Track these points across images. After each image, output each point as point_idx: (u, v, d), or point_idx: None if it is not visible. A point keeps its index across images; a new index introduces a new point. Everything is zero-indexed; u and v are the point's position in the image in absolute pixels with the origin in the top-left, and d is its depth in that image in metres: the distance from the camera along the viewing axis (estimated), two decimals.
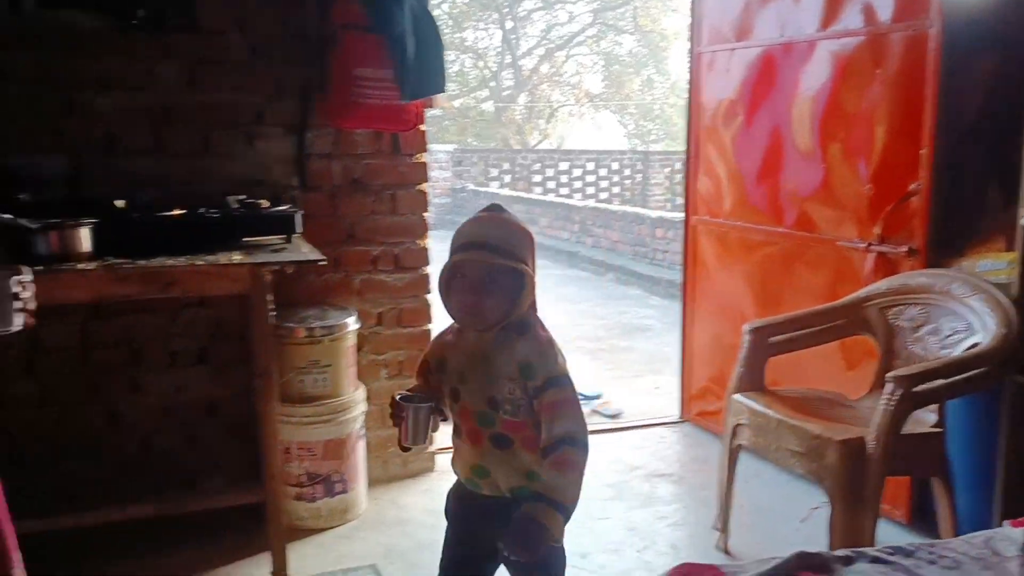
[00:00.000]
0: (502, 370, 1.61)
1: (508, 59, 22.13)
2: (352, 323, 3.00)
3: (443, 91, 3.08)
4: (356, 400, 3.01)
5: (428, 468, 3.43)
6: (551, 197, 13.80)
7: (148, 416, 2.96)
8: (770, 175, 3.47)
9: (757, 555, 1.74)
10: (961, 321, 2.55)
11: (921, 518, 2.84)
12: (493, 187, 14.89)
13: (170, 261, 2.34)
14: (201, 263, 2.35)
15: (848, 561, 1.57)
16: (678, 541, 2.89)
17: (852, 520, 2.35)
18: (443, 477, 3.40)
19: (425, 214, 3.33)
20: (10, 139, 2.70)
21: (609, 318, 7.16)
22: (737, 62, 3.60)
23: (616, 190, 15.28)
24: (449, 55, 15.36)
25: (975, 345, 2.44)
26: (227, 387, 3.03)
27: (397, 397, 1.68)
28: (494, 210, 1.68)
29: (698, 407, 4.00)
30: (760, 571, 1.49)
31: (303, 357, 2.88)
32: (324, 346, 2.90)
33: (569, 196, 14.38)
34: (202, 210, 2.66)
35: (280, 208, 2.80)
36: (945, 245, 2.80)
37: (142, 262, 2.31)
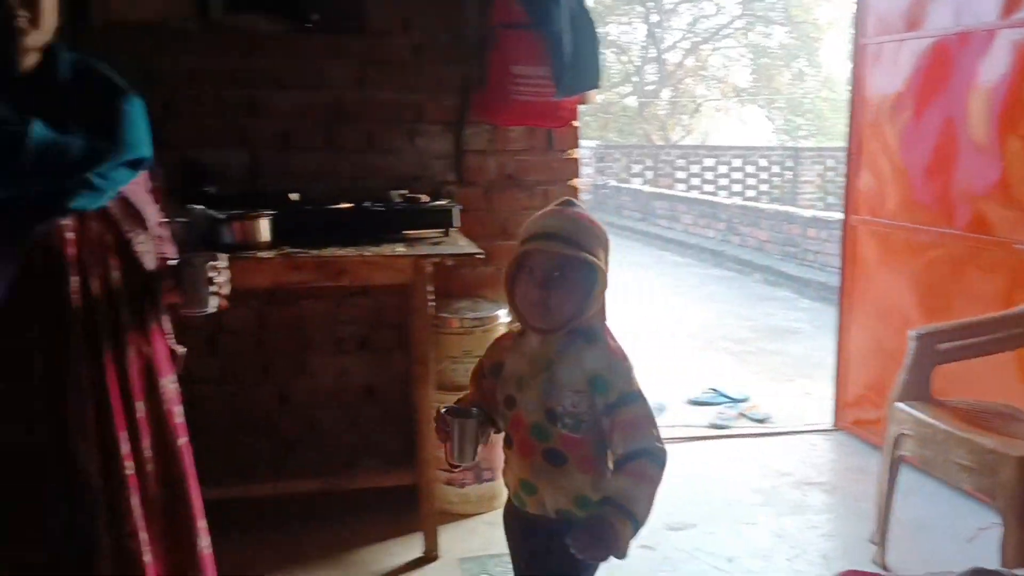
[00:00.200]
0: (567, 381, 1.48)
1: (652, 53, 21.88)
2: (503, 315, 3.07)
3: (598, 87, 3.10)
4: None
5: None
6: (695, 194, 13.56)
7: (314, 398, 3.15)
8: (940, 172, 3.28)
9: (917, 573, 1.66)
10: None
11: None
12: (635, 183, 14.79)
13: (340, 251, 2.49)
14: (368, 254, 2.49)
15: None
16: (830, 552, 2.79)
17: None
18: None
19: None
20: (199, 136, 2.93)
21: (756, 320, 6.97)
22: (907, 53, 3.42)
23: (764, 188, 14.84)
24: None
25: None
26: (385, 373, 3.17)
27: (442, 410, 1.55)
28: (567, 204, 1.57)
29: (853, 415, 3.84)
30: None
31: (457, 346, 2.97)
32: (476, 337, 2.99)
33: (714, 193, 14.08)
34: (367, 204, 2.81)
35: (439, 203, 2.91)
36: None
37: (315, 252, 2.47)
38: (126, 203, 1.52)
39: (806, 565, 2.69)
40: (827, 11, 20.51)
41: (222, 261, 1.66)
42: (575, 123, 3.25)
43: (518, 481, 1.55)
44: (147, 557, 1.55)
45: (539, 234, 1.48)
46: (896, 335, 3.04)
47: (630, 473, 1.43)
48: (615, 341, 1.54)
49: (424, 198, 2.92)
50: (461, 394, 1.66)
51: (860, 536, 2.80)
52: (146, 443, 1.57)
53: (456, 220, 2.83)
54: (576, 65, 2.99)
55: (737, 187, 14.80)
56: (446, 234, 2.80)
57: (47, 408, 1.45)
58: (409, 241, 2.67)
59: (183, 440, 1.66)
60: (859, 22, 3.72)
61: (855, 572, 1.46)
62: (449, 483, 3.02)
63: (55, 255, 1.43)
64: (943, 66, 3.24)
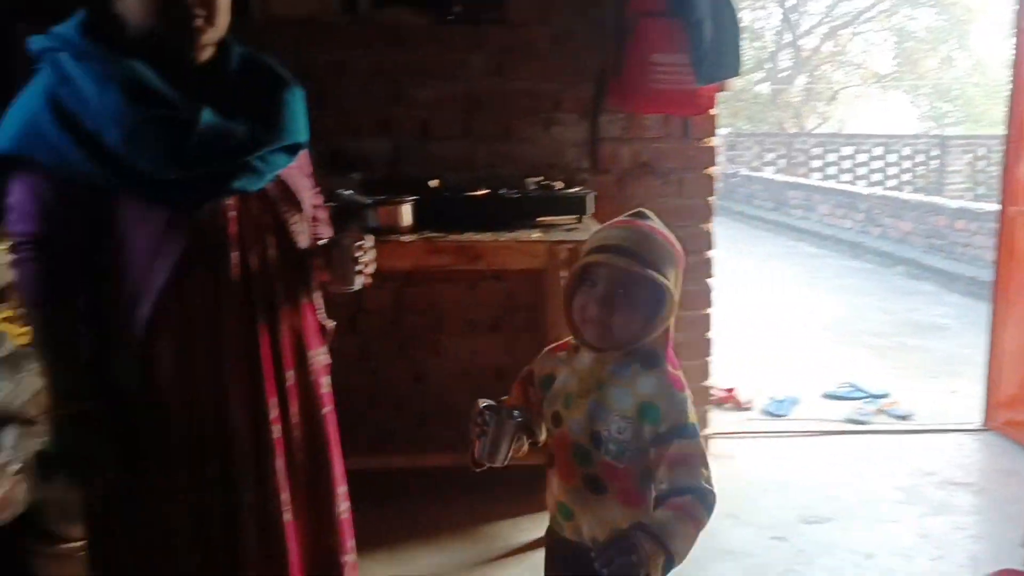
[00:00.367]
0: (616, 405, 1.40)
1: (787, 39, 21.10)
2: None
3: (738, 75, 3.05)
4: None
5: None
6: (832, 184, 13.02)
7: (447, 377, 3.25)
8: None
9: None
10: None
11: None
12: (767, 172, 14.35)
13: (477, 236, 2.57)
14: (504, 239, 2.55)
15: None
16: (979, 554, 2.66)
17: None
18: (717, 460, 3.41)
19: (710, 198, 3.32)
20: (346, 126, 3.08)
21: (897, 314, 6.64)
22: None
23: (907, 177, 14.06)
24: None
25: None
26: (515, 355, 3.24)
27: (482, 405, 1.47)
28: (639, 216, 1.45)
29: (1006, 415, 3.63)
30: None
31: None
32: None
33: (852, 183, 13.47)
34: (503, 191, 2.88)
35: (573, 190, 2.94)
36: None
37: (453, 236, 2.56)
38: (284, 186, 1.61)
39: (953, 567, 2.58)
40: None
41: (368, 241, 1.72)
42: (712, 111, 3.21)
43: (556, 503, 1.49)
44: (287, 516, 1.63)
45: (605, 246, 1.38)
46: None
47: (673, 507, 1.31)
48: (675, 369, 1.43)
49: (558, 185, 2.96)
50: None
51: (1013, 541, 2.65)
52: (294, 410, 1.65)
53: (590, 207, 2.85)
54: (716, 52, 2.95)
55: (877, 176, 14.10)
56: (579, 221, 2.83)
57: (209, 372, 1.56)
58: (543, 227, 2.72)
59: (328, 409, 1.74)
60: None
61: (1012, 572, 1.38)
62: None
63: (218, 232, 1.53)
64: None
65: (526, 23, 3.10)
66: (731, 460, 3.44)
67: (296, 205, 1.64)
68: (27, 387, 1.69)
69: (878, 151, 14.24)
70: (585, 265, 1.39)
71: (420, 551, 2.70)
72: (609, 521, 1.40)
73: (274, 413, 1.61)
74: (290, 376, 1.64)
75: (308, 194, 1.70)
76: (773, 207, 12.95)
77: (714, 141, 3.29)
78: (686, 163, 3.26)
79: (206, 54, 1.56)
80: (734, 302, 5.52)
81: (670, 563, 1.28)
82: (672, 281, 1.38)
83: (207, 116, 1.48)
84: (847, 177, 14.05)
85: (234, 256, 1.54)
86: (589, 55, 3.13)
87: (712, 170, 3.30)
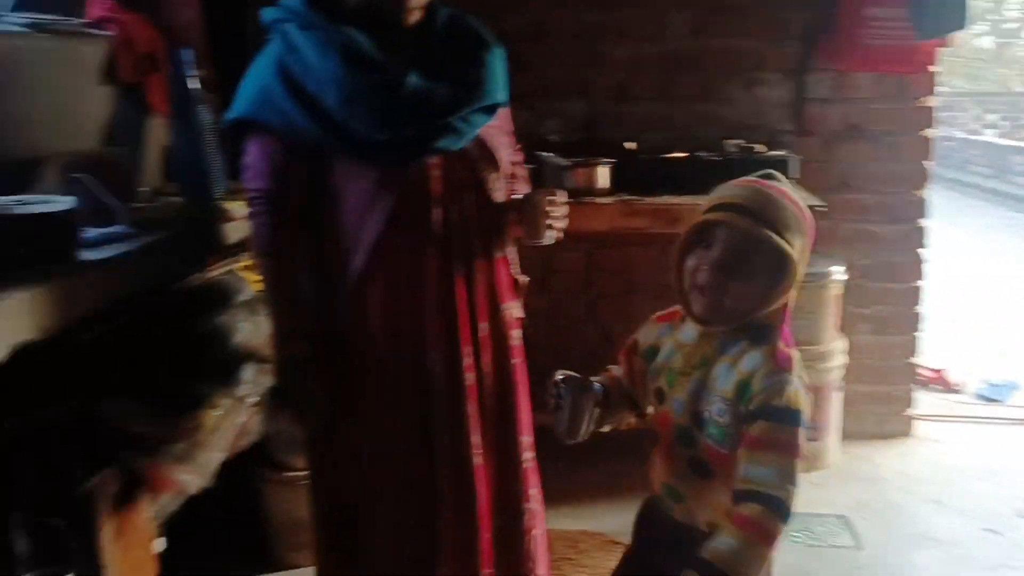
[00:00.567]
0: (718, 384, 1.28)
1: None
2: (839, 272, 2.93)
3: (963, 27, 2.81)
4: (835, 351, 2.96)
5: (904, 431, 3.26)
6: None
7: None
8: None
9: None
10: None
11: None
12: (987, 135, 13.10)
13: (674, 199, 2.55)
14: (702, 202, 2.50)
15: None
16: None
17: None
18: (922, 444, 3.22)
19: (926, 162, 3.09)
20: (543, 88, 3.12)
21: None
22: None
23: None
24: None
25: None
26: None
27: (559, 377, 1.40)
28: (768, 176, 1.32)
29: None
30: None
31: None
32: (808, 293, 2.89)
33: None
34: (701, 153, 2.82)
35: (775, 153, 2.83)
36: None
37: (650, 199, 2.54)
38: (483, 144, 1.67)
39: None
40: None
41: (559, 197, 1.74)
42: (932, 68, 2.97)
43: (663, 485, 1.39)
44: (477, 459, 1.71)
45: (727, 204, 1.25)
46: None
47: (739, 522, 1.19)
48: (787, 348, 1.27)
49: (759, 148, 2.86)
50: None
51: None
52: (486, 359, 1.72)
53: (793, 171, 2.74)
54: (939, 3, 2.73)
55: None
56: None
57: (411, 320, 1.65)
58: None
59: (517, 361, 1.79)
60: None
61: None
62: None
63: (423, 190, 1.61)
64: None
65: None
66: (936, 444, 3.23)
67: (494, 163, 1.69)
68: (263, 329, 1.87)
69: None
70: (701, 224, 1.26)
71: (605, 509, 2.73)
72: (722, 506, 1.27)
73: (468, 361, 1.68)
74: (484, 327, 1.71)
75: (506, 152, 1.74)
76: (992, 174, 11.83)
77: (932, 101, 3.05)
78: (901, 125, 3.05)
79: (415, 17, 1.63)
80: (946, 276, 5.13)
81: None
82: (797, 251, 1.23)
83: (413, 80, 1.56)
84: None
85: (436, 212, 1.61)
86: (796, 11, 2.99)
87: (929, 132, 3.06)
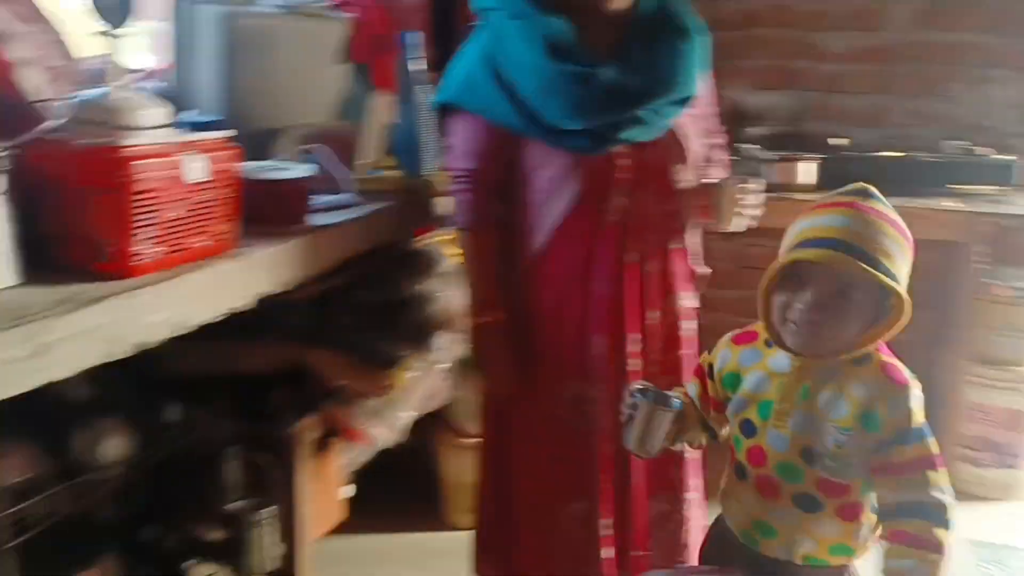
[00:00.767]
0: (830, 413, 1.20)
1: None
2: None
3: None
4: None
5: None
6: None
7: None
8: None
9: None
10: None
11: None
12: None
13: None
14: (916, 205, 2.38)
15: None
16: None
17: None
18: None
19: None
20: (748, 77, 3.04)
21: None
22: None
23: None
24: None
25: None
26: (912, 333, 3.01)
27: (635, 387, 1.31)
28: (862, 196, 1.19)
29: None
30: None
31: (999, 317, 2.68)
32: (1017, 310, 2.66)
33: None
34: (919, 154, 2.66)
35: (1000, 157, 2.63)
36: None
37: None
38: (673, 136, 1.67)
39: None
40: None
41: (753, 185, 1.72)
42: None
43: (750, 520, 1.29)
44: None
45: (820, 239, 1.14)
46: None
47: (907, 541, 1.14)
48: (891, 359, 1.21)
49: (983, 150, 2.65)
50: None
51: None
52: (654, 347, 1.74)
53: (1018, 177, 2.54)
54: None
55: None
56: (1003, 192, 2.53)
57: (579, 302, 1.69)
58: (959, 196, 2.48)
59: (687, 352, 1.78)
60: None
61: None
62: (964, 460, 2.79)
63: (607, 178, 1.63)
64: None
65: None
66: None
67: (681, 155, 1.69)
68: (458, 298, 1.97)
69: None
70: (794, 261, 1.15)
71: None
72: (826, 539, 1.24)
73: (634, 348, 1.71)
74: (654, 316, 1.73)
75: (699, 140, 1.74)
76: None
77: None
78: None
79: (621, 5, 1.65)
80: None
81: None
82: (903, 279, 1.14)
83: (608, 72, 1.59)
84: None
85: (617, 200, 1.64)
86: None
87: None
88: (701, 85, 1.72)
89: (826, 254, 1.11)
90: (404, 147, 1.98)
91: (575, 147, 1.62)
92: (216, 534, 1.93)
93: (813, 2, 2.96)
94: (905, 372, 1.20)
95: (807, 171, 2.53)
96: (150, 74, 1.89)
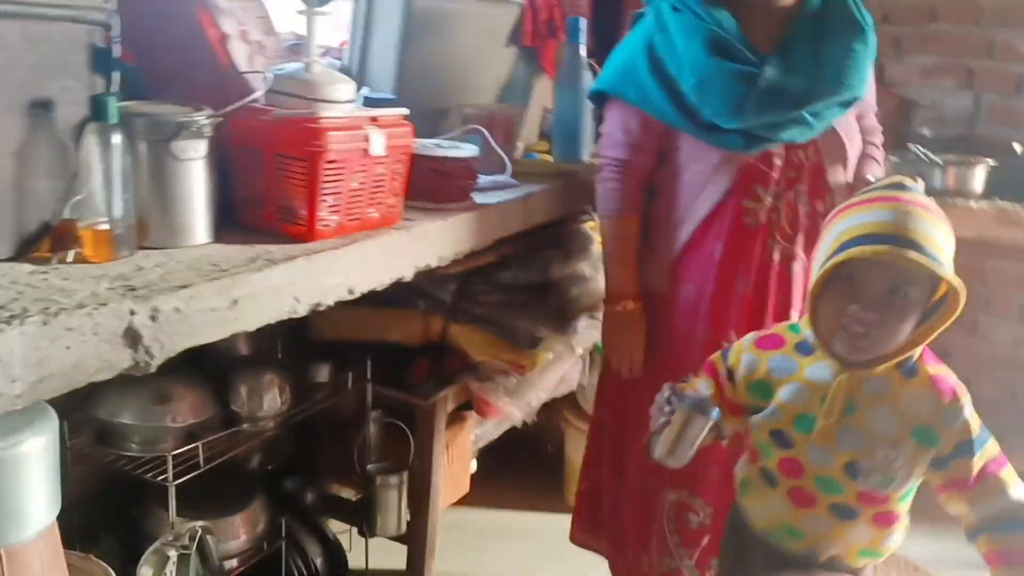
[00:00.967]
0: (880, 430, 1.15)
1: None
2: None
3: None
4: None
5: None
6: None
7: (980, 362, 2.95)
8: None
9: None
10: None
11: None
12: None
13: None
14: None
15: None
16: None
17: None
18: None
19: None
20: (921, 75, 2.89)
21: None
22: None
23: None
24: None
25: None
26: None
27: (668, 391, 1.20)
28: (901, 189, 1.13)
29: None
30: None
31: None
32: None
33: None
34: None
35: None
36: None
37: None
38: (833, 136, 1.62)
39: None
40: None
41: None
42: None
43: (778, 523, 1.26)
44: None
45: (872, 234, 1.09)
46: None
47: (1008, 560, 1.12)
48: (938, 368, 1.17)
49: None
50: None
51: None
52: None
53: None
54: None
55: None
56: None
57: (718, 300, 1.67)
58: None
59: None
60: None
61: None
62: None
63: (760, 177, 1.60)
64: None
65: None
66: None
67: (840, 156, 1.64)
68: (600, 285, 1.98)
69: None
70: (847, 259, 1.09)
71: None
72: (857, 543, 1.23)
73: None
74: (794, 316, 1.68)
75: (858, 140, 1.69)
76: None
77: None
78: None
79: (787, 1, 1.60)
80: None
81: None
82: (951, 272, 1.08)
83: (770, 72, 1.55)
84: None
85: (768, 200, 1.61)
86: None
87: None
88: (869, 85, 1.67)
89: (881, 249, 1.06)
90: (561, 132, 1.99)
91: (730, 145, 1.59)
92: (349, 493, 2.03)
93: None
94: (953, 380, 1.17)
95: (977, 177, 2.38)
96: (326, 51, 1.98)
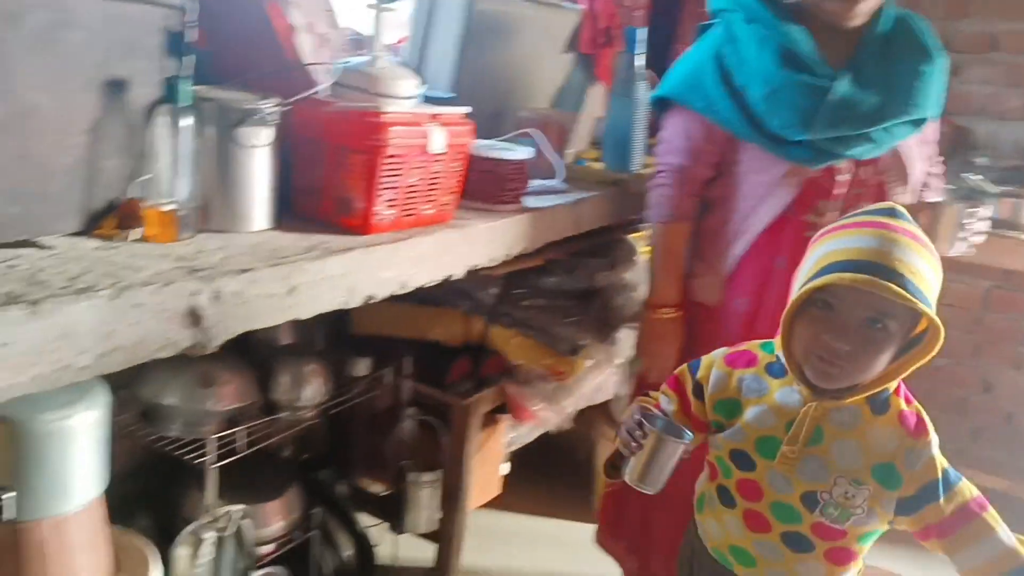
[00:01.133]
0: (843, 464, 1.10)
1: None
2: None
3: None
4: None
5: None
6: None
7: (1016, 391, 2.90)
8: None
9: None
10: None
11: None
12: None
13: None
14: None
15: None
16: None
17: None
18: None
19: None
20: (978, 104, 2.85)
21: None
22: None
23: None
24: None
25: None
26: None
27: (639, 414, 1.13)
28: (890, 215, 1.08)
29: None
30: None
31: None
32: None
33: None
34: None
35: None
36: None
37: None
38: (897, 156, 1.61)
39: None
40: None
41: (983, 210, 1.67)
42: None
43: (728, 545, 1.22)
44: None
45: (854, 260, 1.03)
46: None
47: None
48: (908, 406, 1.12)
49: None
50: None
51: None
52: None
53: None
54: None
55: None
56: None
57: (773, 312, 1.62)
58: None
59: None
60: None
61: None
62: None
63: (823, 192, 1.59)
64: None
65: None
66: None
67: (902, 176, 1.63)
68: (642, 295, 1.97)
69: None
70: (825, 286, 1.04)
71: None
72: None
73: None
74: None
75: (921, 164, 1.67)
76: None
77: None
78: None
79: (859, 20, 1.59)
80: None
81: None
82: (934, 307, 1.02)
83: (841, 87, 1.54)
84: None
85: (829, 215, 1.59)
86: None
87: None
88: (939, 109, 1.65)
89: (859, 278, 1.01)
90: (613, 141, 1.99)
91: (796, 158, 1.58)
92: (379, 488, 2.04)
93: None
94: (924, 418, 1.12)
95: None
96: (387, 47, 1.99)
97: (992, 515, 1.10)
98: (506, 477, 2.22)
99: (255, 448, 1.54)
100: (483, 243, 1.50)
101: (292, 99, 1.27)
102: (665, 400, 1.26)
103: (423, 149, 1.32)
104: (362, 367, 1.85)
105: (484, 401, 1.97)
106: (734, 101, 1.59)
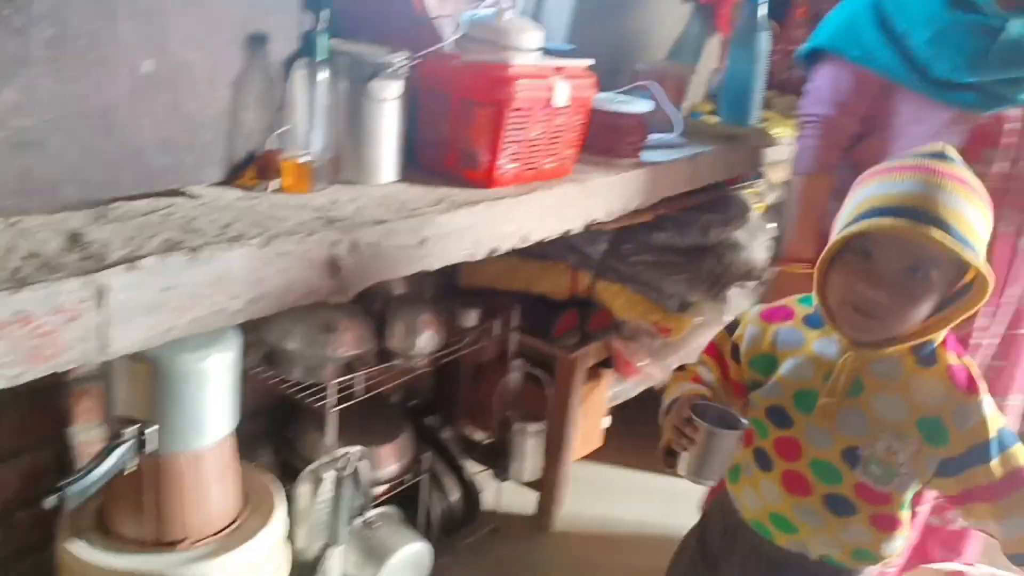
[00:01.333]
0: (884, 417, 1.02)
1: None
2: None
3: None
4: None
5: None
6: None
7: None
8: None
9: None
10: None
11: None
12: None
13: None
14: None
15: None
16: None
17: None
18: None
19: None
20: None
21: None
22: None
23: None
24: None
25: None
26: None
27: (685, 411, 1.04)
28: (939, 158, 0.98)
29: None
30: None
31: None
32: None
33: None
34: None
35: None
36: None
37: None
38: None
39: None
40: None
41: None
42: None
43: (767, 512, 1.13)
44: None
45: (896, 207, 0.94)
46: None
47: None
48: (959, 360, 1.03)
49: None
50: None
51: None
52: (998, 324, 1.64)
53: None
54: None
55: None
56: None
57: None
58: None
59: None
60: None
61: None
62: None
63: (992, 139, 1.51)
64: None
65: None
66: None
67: None
68: (759, 253, 1.93)
69: None
70: (863, 232, 0.96)
71: None
72: (851, 543, 1.09)
73: (982, 322, 1.60)
74: (1012, 293, 1.61)
75: None
76: None
77: None
78: None
79: None
80: None
81: None
82: (982, 253, 0.94)
83: (1016, 27, 1.44)
84: None
85: (999, 165, 1.52)
86: None
87: None
88: None
89: (899, 224, 0.93)
90: (731, 93, 1.94)
91: (962, 103, 1.50)
92: (481, 436, 2.08)
93: None
94: (975, 374, 1.04)
95: None
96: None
97: None
98: (608, 430, 2.24)
99: (371, 394, 1.60)
100: (602, 197, 1.50)
101: (423, 52, 1.27)
102: (704, 370, 1.19)
103: (547, 102, 1.32)
104: (471, 318, 1.88)
105: (589, 355, 1.98)
106: (894, 47, 1.52)
